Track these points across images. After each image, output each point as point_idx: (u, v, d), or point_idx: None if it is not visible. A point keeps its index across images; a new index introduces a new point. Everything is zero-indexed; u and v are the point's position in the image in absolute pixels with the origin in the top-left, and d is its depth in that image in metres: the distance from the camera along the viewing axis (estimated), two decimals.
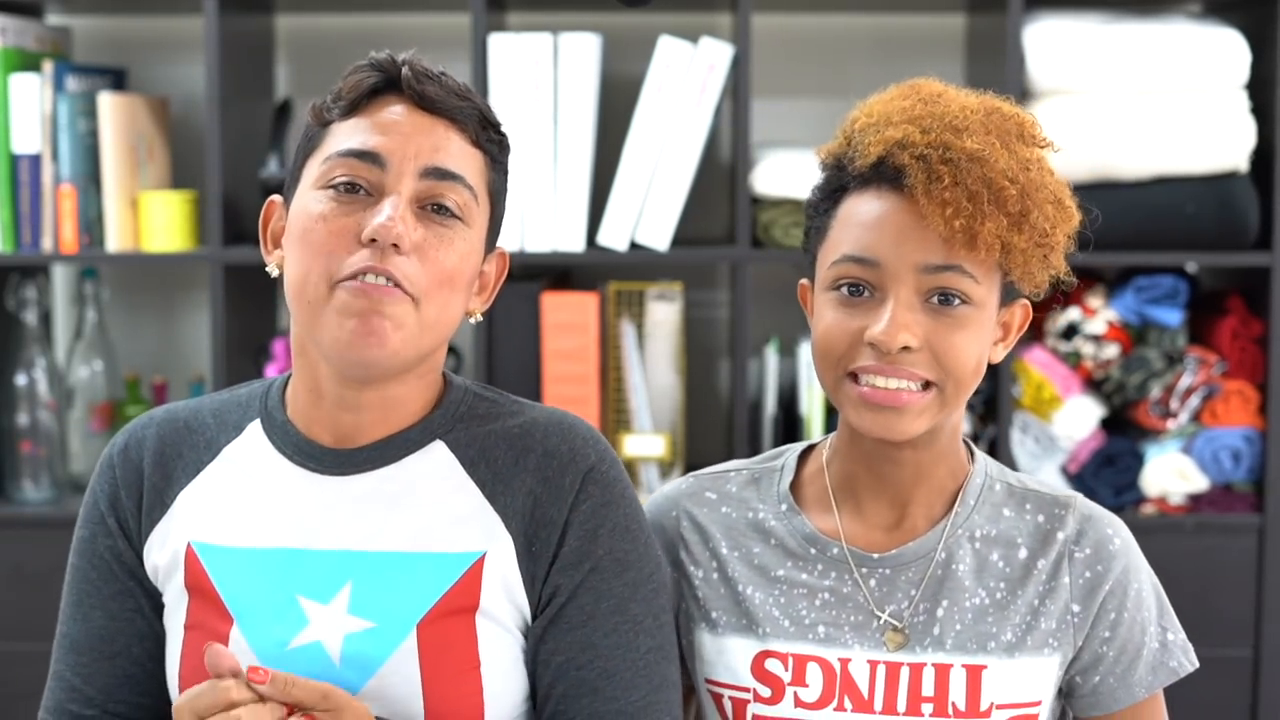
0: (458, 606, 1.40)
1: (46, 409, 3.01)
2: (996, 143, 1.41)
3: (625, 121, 2.92)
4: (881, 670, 1.46)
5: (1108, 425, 2.99)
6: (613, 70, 3.06)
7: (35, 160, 2.91)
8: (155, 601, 1.49)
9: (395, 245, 1.36)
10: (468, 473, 1.44)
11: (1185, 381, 2.89)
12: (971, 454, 1.54)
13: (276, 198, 1.49)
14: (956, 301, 1.40)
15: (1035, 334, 2.99)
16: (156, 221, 2.94)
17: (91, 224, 2.96)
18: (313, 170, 1.42)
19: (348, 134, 1.41)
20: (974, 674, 1.45)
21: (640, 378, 2.96)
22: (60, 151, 2.91)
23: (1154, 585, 1.53)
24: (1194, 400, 2.90)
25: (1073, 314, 2.91)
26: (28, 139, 2.91)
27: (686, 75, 2.85)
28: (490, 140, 1.45)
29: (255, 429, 1.49)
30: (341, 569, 1.41)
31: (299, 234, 1.40)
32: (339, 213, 1.39)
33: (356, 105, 1.42)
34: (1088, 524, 1.49)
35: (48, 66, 2.90)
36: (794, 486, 1.54)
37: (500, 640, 1.42)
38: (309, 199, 1.41)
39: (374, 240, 1.36)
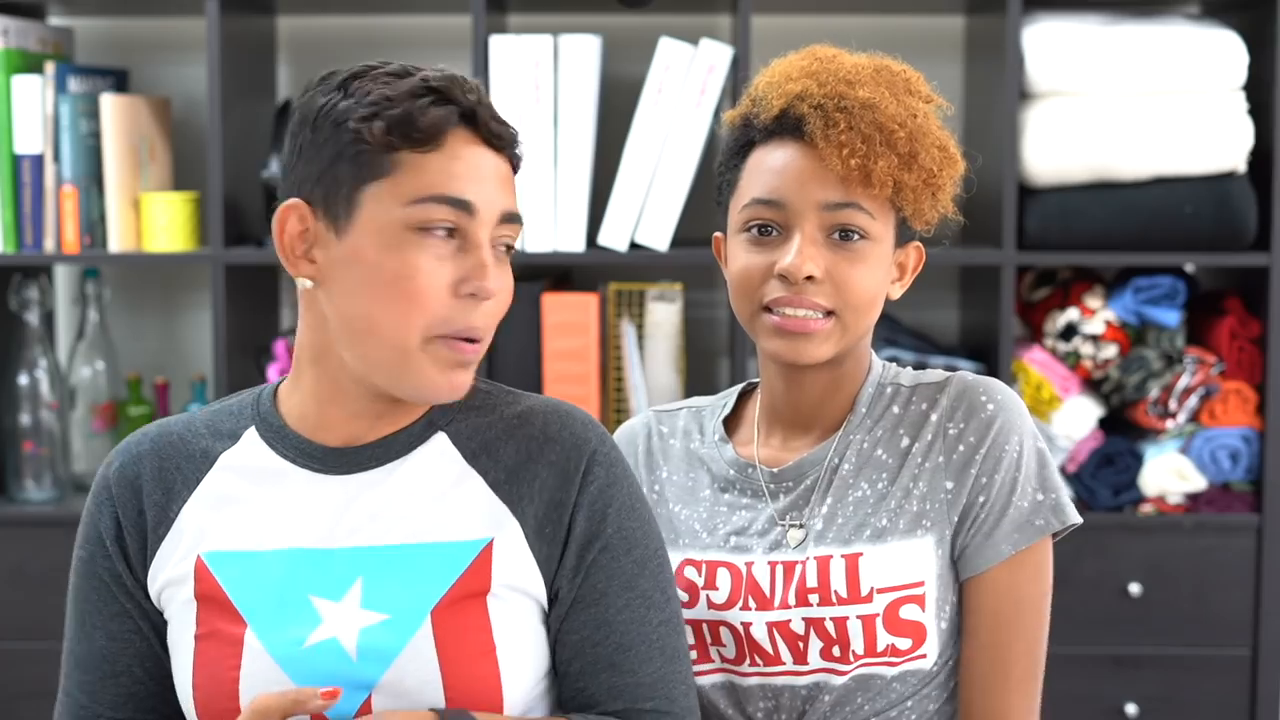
0: (470, 591, 1.42)
1: (48, 409, 3.01)
2: (886, 92, 1.55)
3: (625, 122, 2.93)
4: (780, 570, 1.59)
5: (1106, 425, 3.00)
6: (613, 71, 3.06)
7: (37, 161, 2.92)
8: (154, 622, 1.49)
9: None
10: (469, 464, 1.46)
11: (1184, 382, 2.90)
12: (872, 368, 1.66)
13: (298, 203, 1.41)
14: (855, 236, 1.55)
15: (1034, 334, 3.00)
16: (158, 222, 2.95)
17: (93, 224, 2.97)
18: (389, 207, 1.38)
19: (433, 175, 1.38)
20: (851, 562, 1.56)
21: (640, 378, 2.96)
22: (62, 152, 2.92)
23: (1035, 447, 1.59)
24: (1192, 400, 2.90)
25: (1071, 314, 2.91)
26: (30, 140, 2.92)
27: (686, 76, 2.86)
28: (520, 159, 1.47)
29: (252, 435, 1.49)
30: (351, 566, 1.42)
31: (389, 280, 1.37)
32: (434, 263, 1.38)
33: (435, 139, 1.38)
34: (961, 397, 1.59)
35: (50, 67, 2.90)
36: (731, 419, 1.70)
37: (514, 621, 1.44)
38: (396, 243, 1.38)
39: (472, 295, 1.39)
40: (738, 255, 1.58)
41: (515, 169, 1.45)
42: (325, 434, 1.47)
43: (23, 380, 3.01)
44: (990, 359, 2.93)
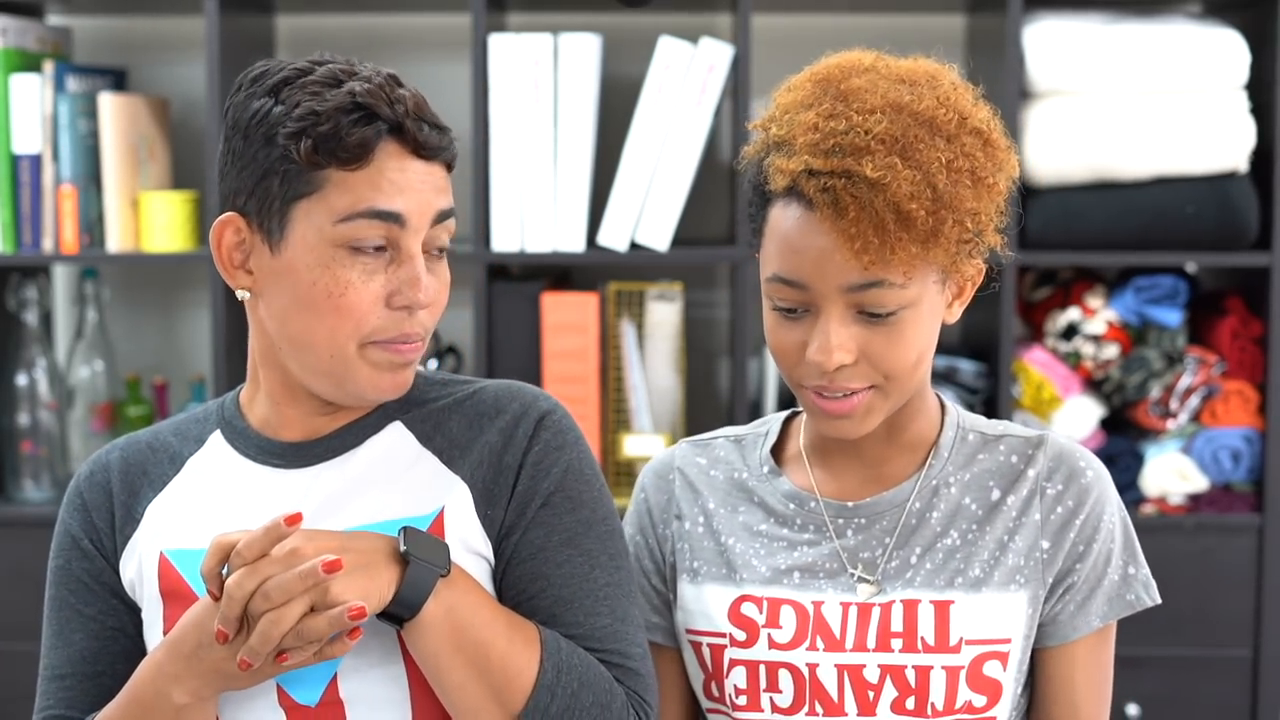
0: None
1: (47, 409, 3.01)
2: (898, 161, 1.39)
3: (625, 121, 2.92)
4: (854, 611, 1.50)
5: (1107, 425, 2.99)
6: (613, 70, 3.06)
7: (36, 160, 2.92)
8: (137, 619, 1.50)
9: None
10: (424, 446, 1.48)
11: (1185, 381, 2.89)
12: (944, 408, 1.58)
13: (234, 217, 1.43)
14: (887, 313, 1.43)
15: (1035, 334, 3.00)
16: (157, 221, 2.94)
17: (92, 224, 2.96)
18: (319, 224, 1.39)
19: (360, 191, 1.39)
20: (942, 609, 1.49)
21: (640, 378, 2.96)
22: (61, 152, 2.91)
23: (1123, 518, 1.55)
24: (1194, 400, 2.90)
25: (1072, 314, 2.91)
26: (28, 139, 2.91)
27: (686, 76, 2.85)
28: (454, 159, 1.47)
29: (216, 438, 1.52)
30: None
31: (321, 296, 1.39)
32: (364, 276, 1.40)
33: (361, 158, 1.39)
34: (1060, 460, 1.53)
35: (48, 67, 2.90)
36: (777, 448, 1.60)
37: None
38: (326, 259, 1.39)
39: (405, 306, 1.40)
40: (769, 323, 1.48)
41: (450, 168, 1.45)
42: (285, 431, 1.49)
43: (21, 380, 3.00)
44: (991, 359, 2.92)
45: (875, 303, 1.42)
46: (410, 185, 1.40)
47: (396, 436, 1.49)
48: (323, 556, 1.31)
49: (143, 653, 1.48)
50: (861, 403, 1.45)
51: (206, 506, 1.48)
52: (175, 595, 1.45)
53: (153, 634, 1.46)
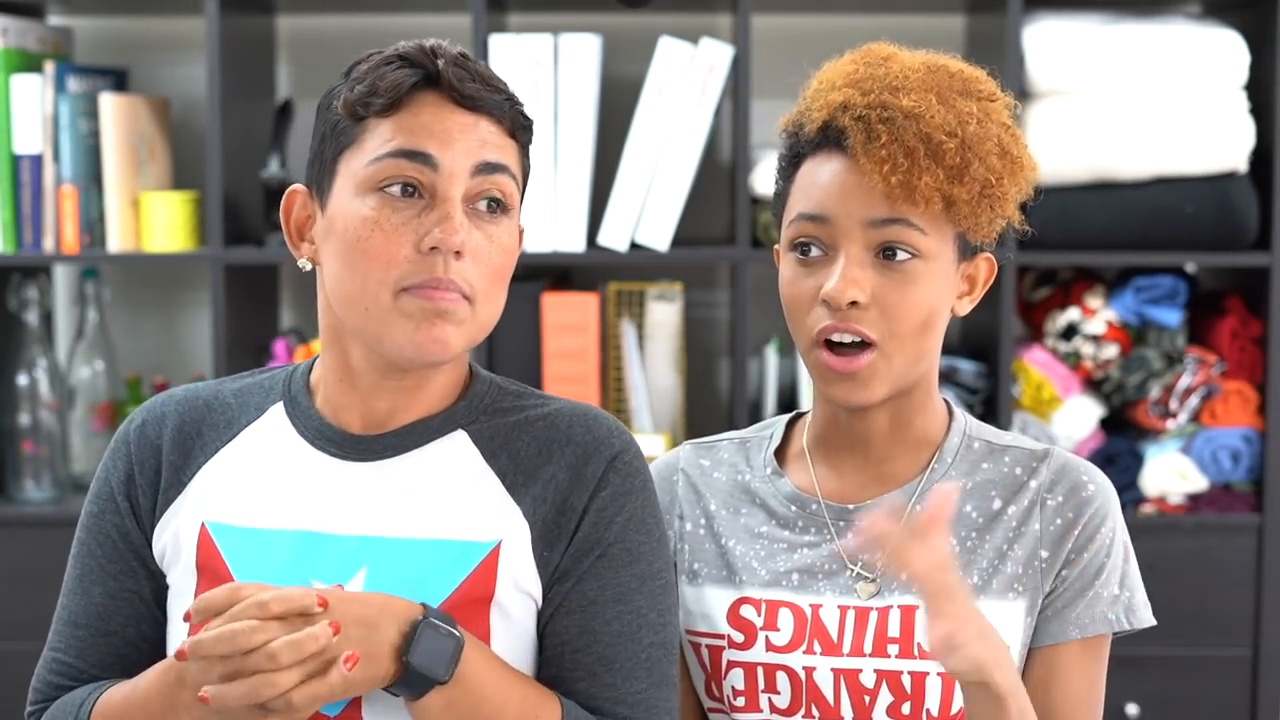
0: (473, 597, 1.40)
1: (48, 409, 3.01)
2: (934, 99, 1.47)
3: (625, 122, 2.93)
4: (851, 615, 1.50)
5: (1107, 425, 2.99)
6: (613, 71, 3.06)
7: (37, 161, 2.92)
8: (156, 585, 1.48)
9: (456, 252, 1.38)
10: (488, 463, 1.45)
11: (1184, 381, 2.90)
12: (951, 413, 1.58)
13: (299, 188, 1.46)
14: (904, 254, 1.46)
15: (1035, 334, 3.00)
16: (157, 222, 2.95)
17: (93, 224, 2.97)
18: (354, 170, 1.40)
19: (391, 134, 1.39)
20: None
21: (640, 378, 2.96)
22: (61, 152, 2.91)
23: (1125, 541, 1.54)
24: (1193, 400, 2.90)
25: (1072, 314, 2.91)
26: (29, 139, 2.91)
27: (686, 76, 2.85)
28: (522, 128, 1.45)
29: (277, 411, 1.49)
30: (357, 554, 1.41)
31: (351, 241, 1.39)
32: (394, 220, 1.38)
33: (396, 103, 1.40)
34: (1062, 472, 1.53)
35: (49, 67, 2.90)
36: (780, 450, 1.61)
37: (511, 632, 1.42)
38: (357, 204, 1.39)
39: (434, 248, 1.37)
40: (786, 276, 1.51)
41: (512, 130, 1.43)
42: (346, 415, 1.46)
43: (22, 380, 3.00)
44: (991, 359, 2.93)
45: (895, 239, 1.45)
46: (446, 132, 1.39)
47: (460, 447, 1.46)
48: (323, 624, 1.29)
49: (154, 619, 1.48)
50: (867, 364, 1.47)
51: (256, 483, 1.46)
52: (210, 570, 1.43)
53: (179, 604, 1.45)
